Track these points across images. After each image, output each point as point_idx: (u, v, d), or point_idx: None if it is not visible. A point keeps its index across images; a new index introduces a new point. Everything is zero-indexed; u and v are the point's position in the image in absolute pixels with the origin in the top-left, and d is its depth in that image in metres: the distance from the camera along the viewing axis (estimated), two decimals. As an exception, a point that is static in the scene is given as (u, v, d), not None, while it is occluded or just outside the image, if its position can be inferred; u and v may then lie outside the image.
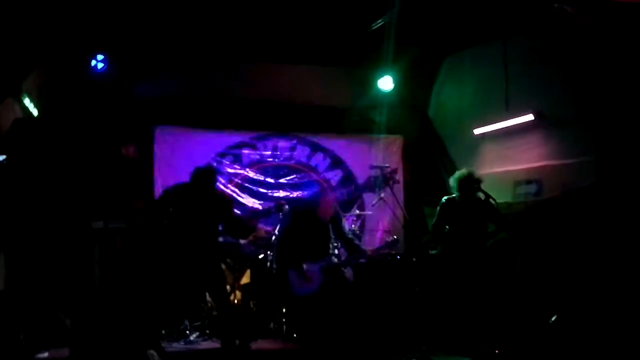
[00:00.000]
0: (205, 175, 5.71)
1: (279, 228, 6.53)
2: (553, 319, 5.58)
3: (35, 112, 6.72)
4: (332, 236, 6.40)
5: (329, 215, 6.36)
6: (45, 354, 5.53)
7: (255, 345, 6.15)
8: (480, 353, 5.64)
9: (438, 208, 6.31)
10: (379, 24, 6.77)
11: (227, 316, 5.64)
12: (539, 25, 6.24)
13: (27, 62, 6.23)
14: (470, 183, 6.12)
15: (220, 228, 5.81)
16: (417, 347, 5.63)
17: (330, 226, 6.37)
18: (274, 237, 6.84)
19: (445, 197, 6.33)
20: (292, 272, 6.19)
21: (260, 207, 8.10)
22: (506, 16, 6.51)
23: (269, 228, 6.88)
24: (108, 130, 7.63)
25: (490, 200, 6.03)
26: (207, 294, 6.30)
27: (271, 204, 7.00)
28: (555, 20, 5.91)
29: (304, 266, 6.14)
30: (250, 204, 8.23)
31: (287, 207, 6.56)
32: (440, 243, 6.29)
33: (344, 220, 6.65)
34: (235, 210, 8.01)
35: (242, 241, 6.70)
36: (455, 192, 6.24)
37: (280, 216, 6.72)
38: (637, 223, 5.55)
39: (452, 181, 6.32)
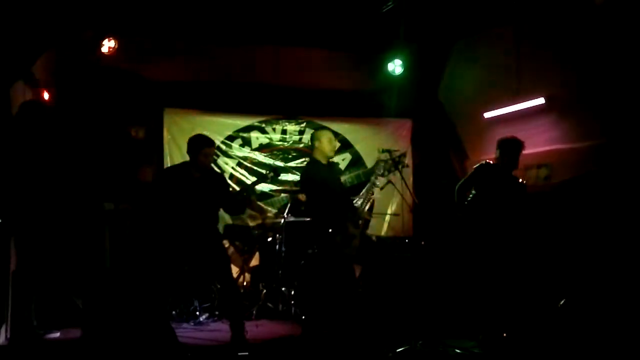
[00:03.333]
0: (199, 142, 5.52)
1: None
2: (562, 302, 5.56)
3: (46, 95, 6.75)
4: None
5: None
6: (57, 334, 5.59)
7: (263, 327, 6.19)
8: (486, 336, 5.64)
9: (471, 171, 5.99)
10: (390, 7, 6.72)
11: (232, 296, 5.54)
12: (550, 8, 6.18)
13: (37, 45, 6.23)
14: (517, 148, 5.84)
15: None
16: (423, 332, 5.60)
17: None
18: (283, 220, 6.85)
19: (484, 161, 5.99)
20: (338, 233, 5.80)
21: (268, 191, 8.17)
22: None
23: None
24: (118, 113, 7.67)
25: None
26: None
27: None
28: (567, 3, 5.85)
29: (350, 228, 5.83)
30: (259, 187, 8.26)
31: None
32: (464, 211, 5.89)
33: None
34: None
35: (251, 224, 6.71)
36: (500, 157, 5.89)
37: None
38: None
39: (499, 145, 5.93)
